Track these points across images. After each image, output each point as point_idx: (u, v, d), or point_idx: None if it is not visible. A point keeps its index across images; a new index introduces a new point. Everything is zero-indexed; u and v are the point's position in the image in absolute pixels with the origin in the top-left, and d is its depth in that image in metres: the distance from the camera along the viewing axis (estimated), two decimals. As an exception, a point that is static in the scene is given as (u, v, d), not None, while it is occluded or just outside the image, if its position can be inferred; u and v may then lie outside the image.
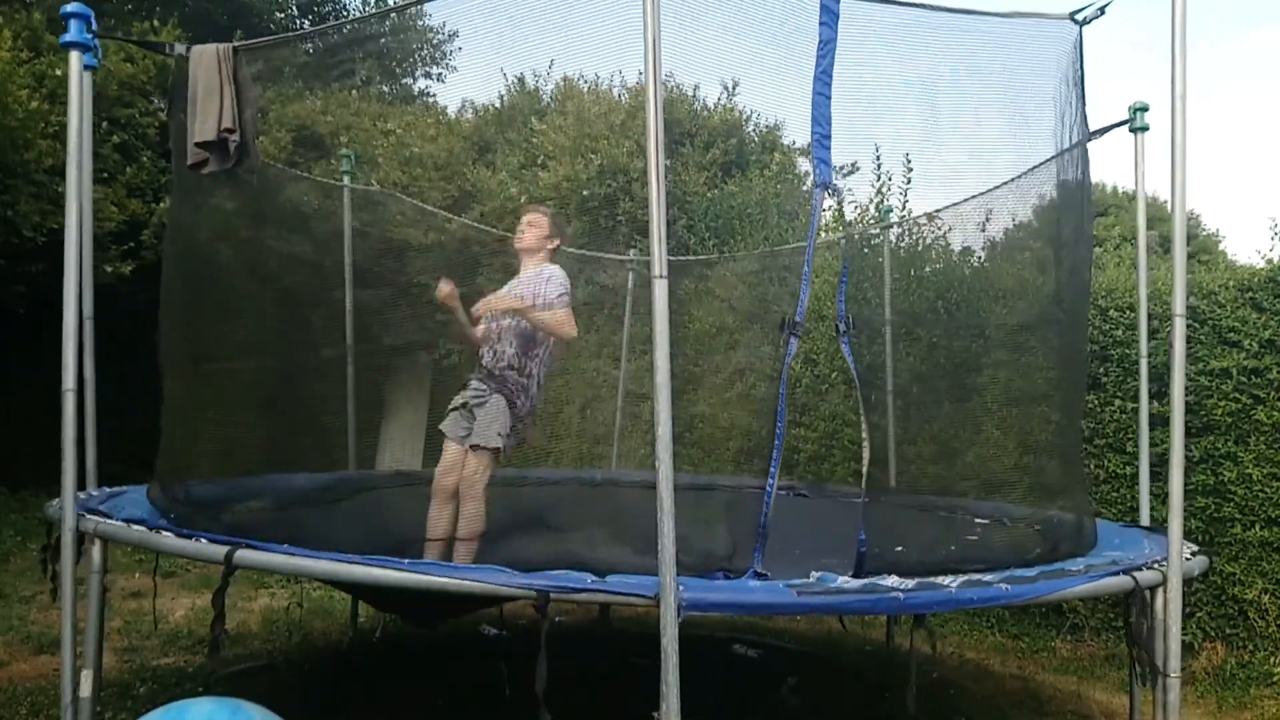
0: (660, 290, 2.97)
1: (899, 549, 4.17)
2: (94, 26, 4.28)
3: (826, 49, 3.56)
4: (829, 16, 3.55)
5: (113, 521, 3.99)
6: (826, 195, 3.72)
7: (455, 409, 5.02)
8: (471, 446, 4.84)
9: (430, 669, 6.02)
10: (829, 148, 3.59)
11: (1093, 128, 4.81)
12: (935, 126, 4.28)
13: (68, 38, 4.16)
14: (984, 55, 4.28)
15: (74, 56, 4.17)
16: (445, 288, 4.93)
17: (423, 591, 3.33)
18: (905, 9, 4.01)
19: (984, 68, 4.31)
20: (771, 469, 3.50)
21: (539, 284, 4.98)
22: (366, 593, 5.49)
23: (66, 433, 3.98)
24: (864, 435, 4.42)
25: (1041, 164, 4.77)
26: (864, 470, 4.48)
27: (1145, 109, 5.08)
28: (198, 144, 4.34)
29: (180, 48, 4.46)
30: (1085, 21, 4.45)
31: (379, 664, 6.17)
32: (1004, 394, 6.15)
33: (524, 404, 4.97)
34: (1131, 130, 5.13)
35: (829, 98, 3.56)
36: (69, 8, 4.16)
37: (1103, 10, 4.38)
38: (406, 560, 3.39)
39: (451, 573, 3.26)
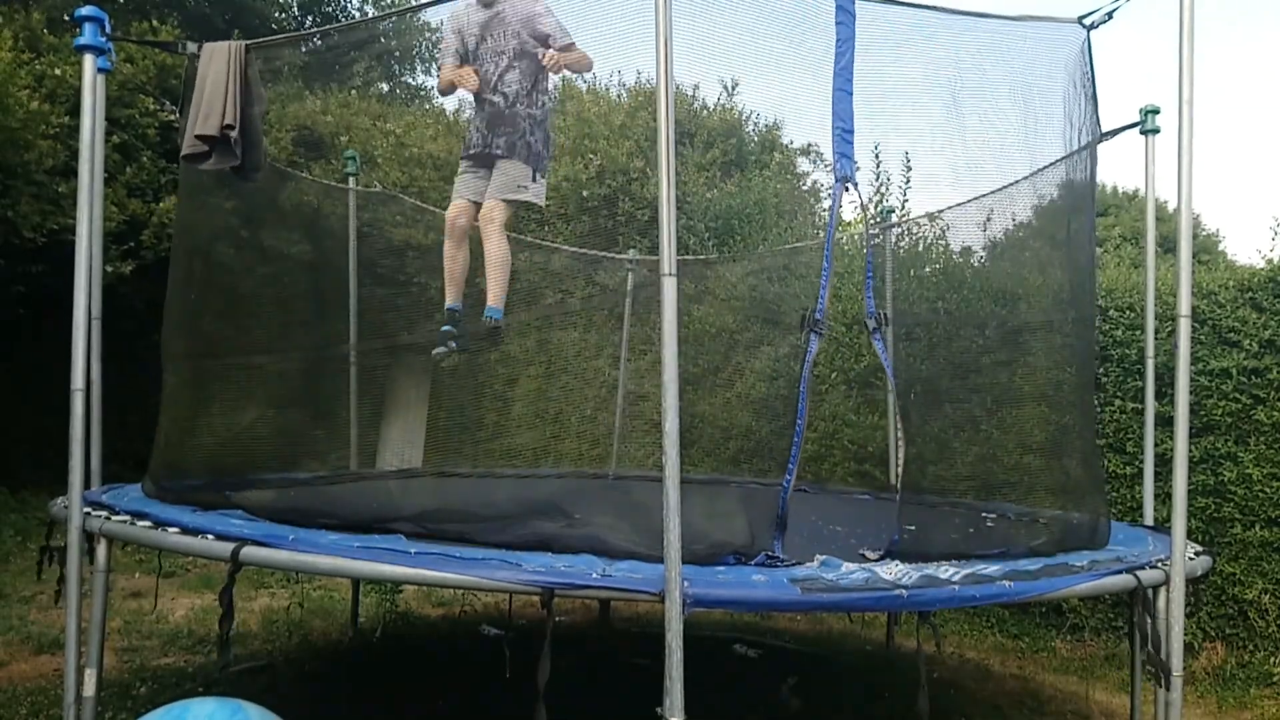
0: (669, 287, 2.98)
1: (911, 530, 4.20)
2: (108, 30, 4.29)
3: (845, 46, 3.57)
4: (845, 16, 3.57)
5: (119, 519, 3.99)
6: (846, 190, 3.70)
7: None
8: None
9: (430, 669, 6.02)
10: (851, 143, 3.60)
11: (1104, 129, 4.82)
12: (941, 127, 4.29)
13: (82, 41, 4.18)
14: (991, 57, 4.29)
15: (88, 60, 4.18)
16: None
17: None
18: (912, 10, 4.03)
19: (991, 69, 4.31)
20: (790, 464, 3.51)
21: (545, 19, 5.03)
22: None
23: (75, 432, 3.99)
24: (898, 432, 4.40)
25: (1053, 164, 4.77)
26: (899, 469, 4.46)
27: (1157, 111, 5.09)
28: (198, 136, 4.34)
29: (193, 47, 4.47)
30: (1093, 25, 4.47)
31: (379, 664, 6.17)
32: (1018, 394, 6.16)
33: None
34: (1142, 132, 5.15)
35: (850, 94, 3.58)
36: (83, 11, 4.17)
37: (1110, 15, 4.39)
38: (413, 552, 3.39)
39: (458, 569, 3.26)
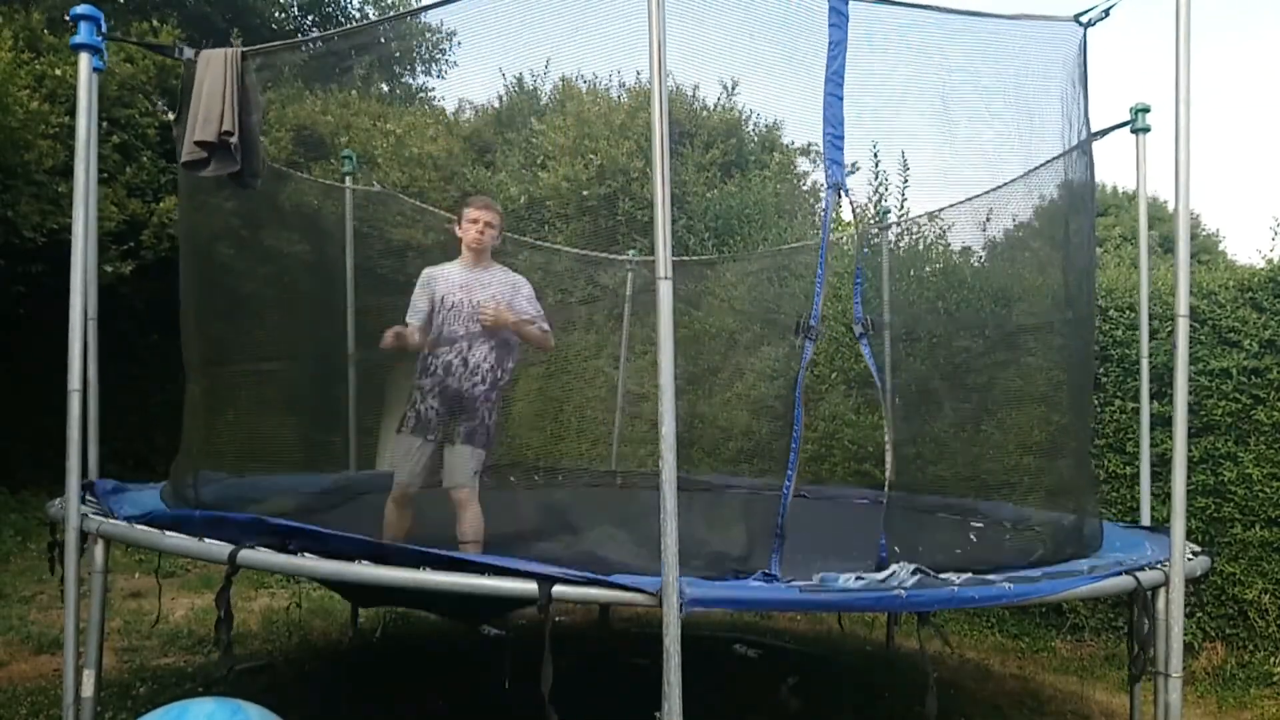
0: (665, 291, 2.98)
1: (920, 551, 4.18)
2: (103, 29, 4.29)
3: (837, 50, 3.57)
4: (838, 18, 3.57)
5: (116, 520, 3.99)
6: (839, 195, 3.70)
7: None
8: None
9: (430, 669, 6.02)
10: (841, 148, 3.59)
11: (1095, 128, 4.82)
12: (939, 127, 4.29)
13: (77, 40, 4.18)
14: (988, 56, 4.29)
15: (83, 59, 4.18)
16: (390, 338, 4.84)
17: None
18: (910, 10, 4.02)
19: (988, 68, 4.31)
20: (789, 475, 3.50)
21: (519, 295, 4.95)
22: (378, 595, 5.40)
23: (72, 432, 3.99)
24: (887, 438, 4.41)
25: (1049, 162, 4.78)
26: (887, 473, 4.46)
27: (1147, 110, 5.10)
28: (197, 142, 4.33)
29: (189, 52, 4.46)
30: (1090, 23, 4.46)
31: (379, 664, 6.17)
32: (1014, 395, 6.16)
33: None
34: (1133, 131, 5.15)
35: (841, 98, 3.57)
36: (79, 10, 4.17)
37: (1107, 12, 4.39)
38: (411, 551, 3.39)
39: (453, 573, 3.26)
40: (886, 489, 4.48)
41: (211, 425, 5.53)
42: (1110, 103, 5.59)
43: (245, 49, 4.43)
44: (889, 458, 4.47)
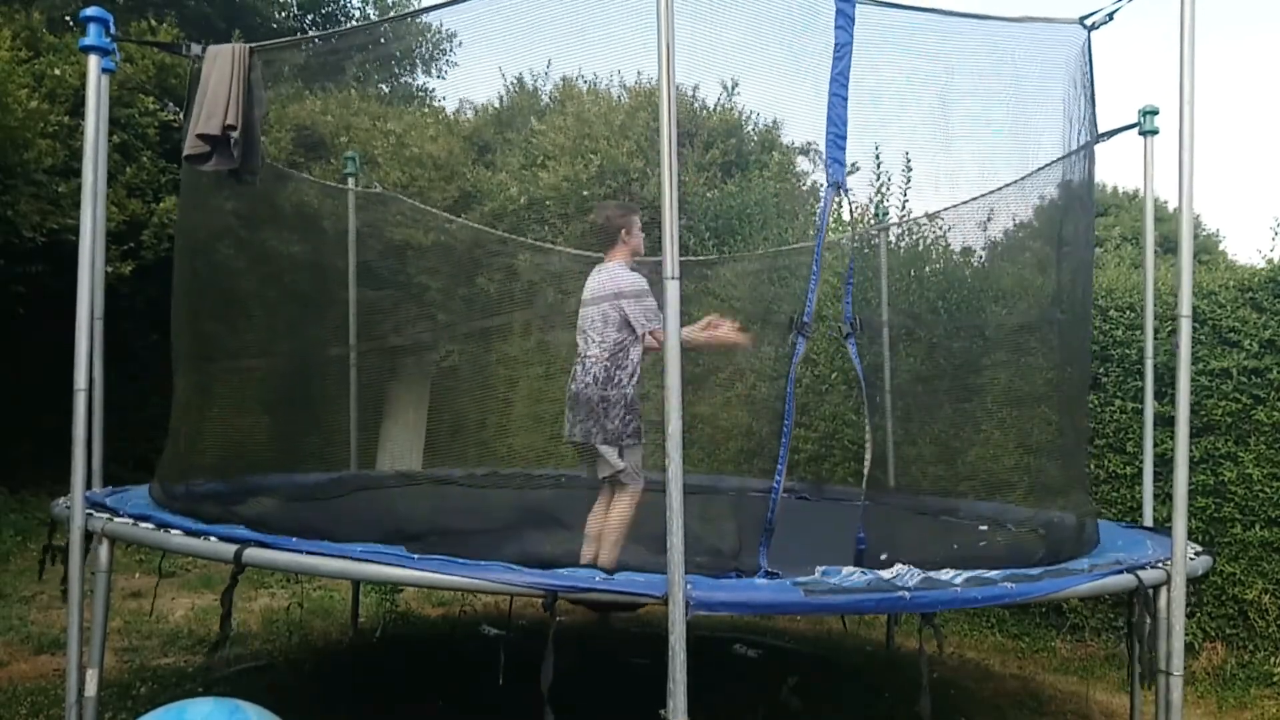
0: (672, 291, 2.98)
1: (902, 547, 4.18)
2: (113, 30, 4.28)
3: (843, 51, 3.60)
4: (845, 20, 3.60)
5: (121, 520, 3.99)
6: (837, 194, 3.72)
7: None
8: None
9: (430, 669, 6.02)
10: (844, 148, 3.62)
11: (1101, 130, 4.83)
12: (942, 128, 4.30)
13: (86, 42, 4.17)
14: (991, 58, 4.30)
15: (92, 60, 4.18)
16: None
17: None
18: (914, 12, 4.04)
19: (991, 71, 4.33)
20: (778, 470, 3.52)
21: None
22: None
23: (77, 432, 3.99)
24: (867, 436, 4.44)
25: (1049, 165, 4.78)
26: (865, 471, 4.49)
27: (1155, 112, 5.10)
28: (199, 135, 4.33)
29: (196, 48, 4.46)
30: (1094, 26, 4.47)
31: (379, 664, 6.17)
32: (1006, 394, 6.16)
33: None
34: (1141, 134, 5.15)
35: (845, 99, 3.60)
36: (88, 12, 4.16)
37: (1111, 15, 4.40)
38: (415, 556, 3.39)
39: (460, 571, 3.26)
40: (864, 485, 4.51)
41: (206, 423, 5.52)
42: (1117, 104, 5.60)
43: (253, 45, 4.43)
44: (868, 456, 4.51)
